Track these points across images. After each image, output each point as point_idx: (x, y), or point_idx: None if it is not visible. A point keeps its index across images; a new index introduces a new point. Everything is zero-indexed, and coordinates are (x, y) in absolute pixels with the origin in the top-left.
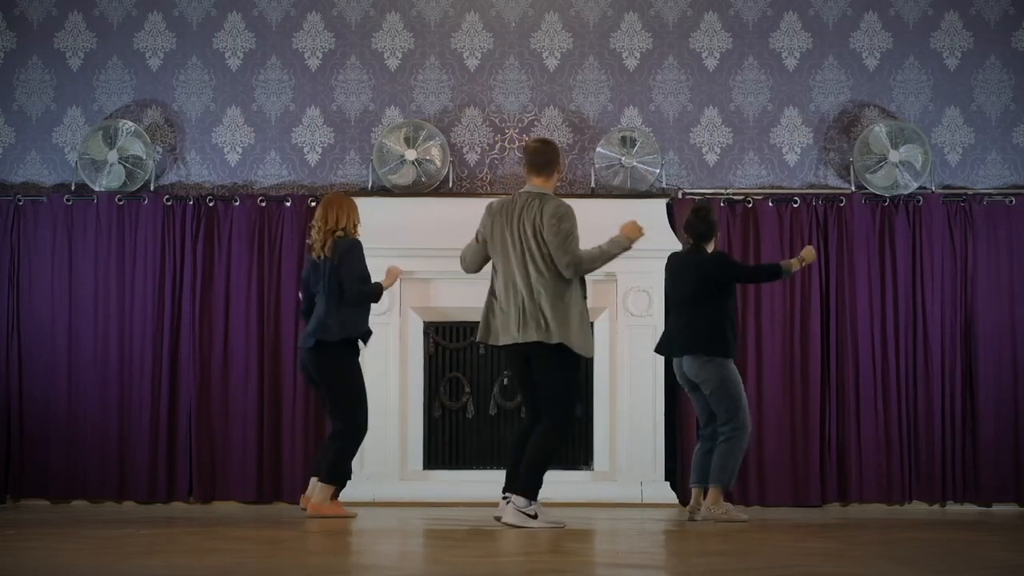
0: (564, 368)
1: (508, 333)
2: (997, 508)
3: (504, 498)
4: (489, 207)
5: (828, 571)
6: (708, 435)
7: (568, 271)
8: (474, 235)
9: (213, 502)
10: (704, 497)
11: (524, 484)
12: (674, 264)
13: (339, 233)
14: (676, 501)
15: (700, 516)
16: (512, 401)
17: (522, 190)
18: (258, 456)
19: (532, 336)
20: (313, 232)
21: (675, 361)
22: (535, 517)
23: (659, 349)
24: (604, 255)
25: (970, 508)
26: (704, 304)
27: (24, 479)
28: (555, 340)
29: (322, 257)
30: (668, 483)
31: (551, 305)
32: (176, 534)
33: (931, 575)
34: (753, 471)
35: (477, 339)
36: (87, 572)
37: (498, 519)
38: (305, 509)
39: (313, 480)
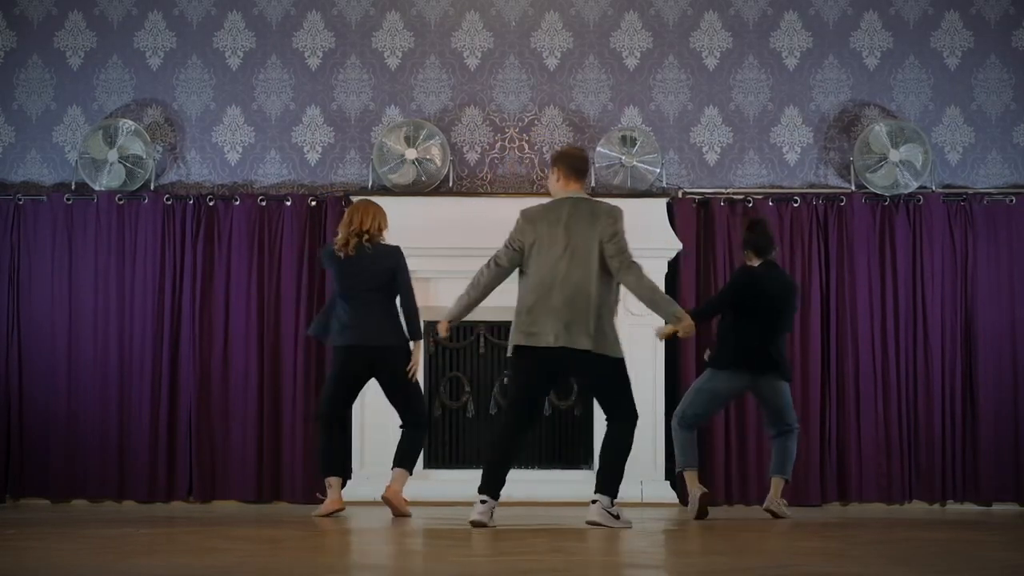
0: (614, 367)
1: (547, 338)
2: (997, 508)
3: (482, 500)
4: (525, 214)
5: (828, 571)
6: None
7: (626, 275)
8: (507, 243)
9: (213, 502)
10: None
11: (608, 484)
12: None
13: (366, 236)
14: (676, 501)
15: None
16: None
17: (562, 197)
18: (258, 456)
19: (574, 343)
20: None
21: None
22: (617, 517)
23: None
24: (659, 297)
25: (970, 508)
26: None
27: (24, 479)
28: (598, 350)
29: (347, 256)
30: (668, 483)
31: (603, 312)
32: (176, 534)
33: (931, 575)
34: (753, 471)
35: (516, 343)
36: (87, 572)
37: (478, 523)
38: (334, 512)
39: (338, 479)
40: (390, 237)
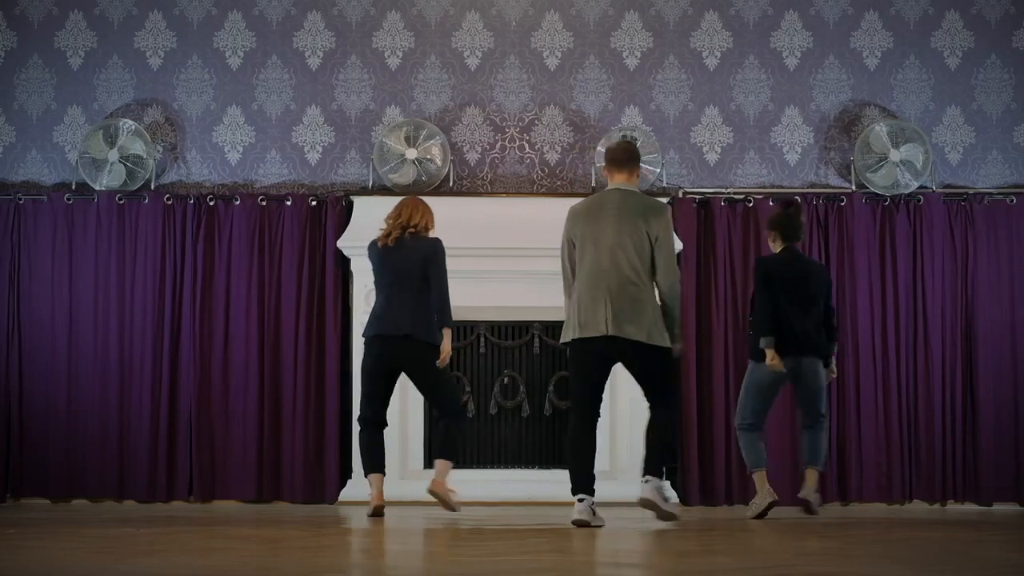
0: (660, 356)
1: (599, 327)
2: (997, 507)
3: (579, 499)
4: (571, 211)
5: (828, 571)
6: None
7: (667, 288)
8: (564, 243)
9: (213, 501)
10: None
11: (654, 465)
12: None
13: (411, 230)
14: (676, 500)
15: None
16: (512, 400)
17: (611, 188)
18: (258, 455)
19: (627, 332)
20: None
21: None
22: (667, 500)
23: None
24: (676, 311)
25: (970, 507)
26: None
27: (24, 478)
28: (649, 341)
29: (385, 246)
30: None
31: (653, 303)
32: (176, 533)
33: (931, 575)
34: None
35: (570, 338)
36: (87, 572)
37: (581, 523)
38: (379, 509)
39: (380, 476)
40: None
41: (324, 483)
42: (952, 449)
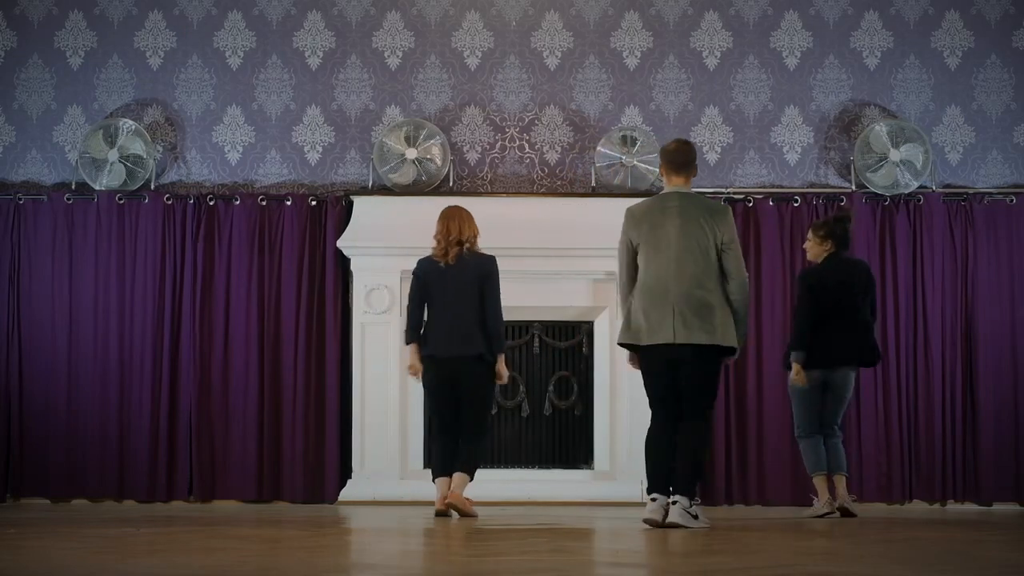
0: (716, 366)
1: (664, 334)
2: (997, 507)
3: (652, 498)
4: (630, 212)
5: (828, 571)
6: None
7: (737, 291)
8: (623, 245)
9: (213, 501)
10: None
11: (686, 484)
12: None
13: (466, 245)
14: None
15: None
16: (512, 400)
17: (670, 191)
18: (258, 455)
19: (697, 338)
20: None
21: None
22: (696, 517)
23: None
24: (744, 316)
25: (970, 507)
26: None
27: (24, 478)
28: (720, 342)
29: (447, 265)
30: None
31: (721, 306)
32: (176, 533)
33: (931, 575)
34: (753, 471)
35: (626, 341)
36: (87, 571)
37: (651, 522)
38: (442, 511)
39: (447, 479)
40: (391, 236)
41: (324, 483)
42: (952, 449)
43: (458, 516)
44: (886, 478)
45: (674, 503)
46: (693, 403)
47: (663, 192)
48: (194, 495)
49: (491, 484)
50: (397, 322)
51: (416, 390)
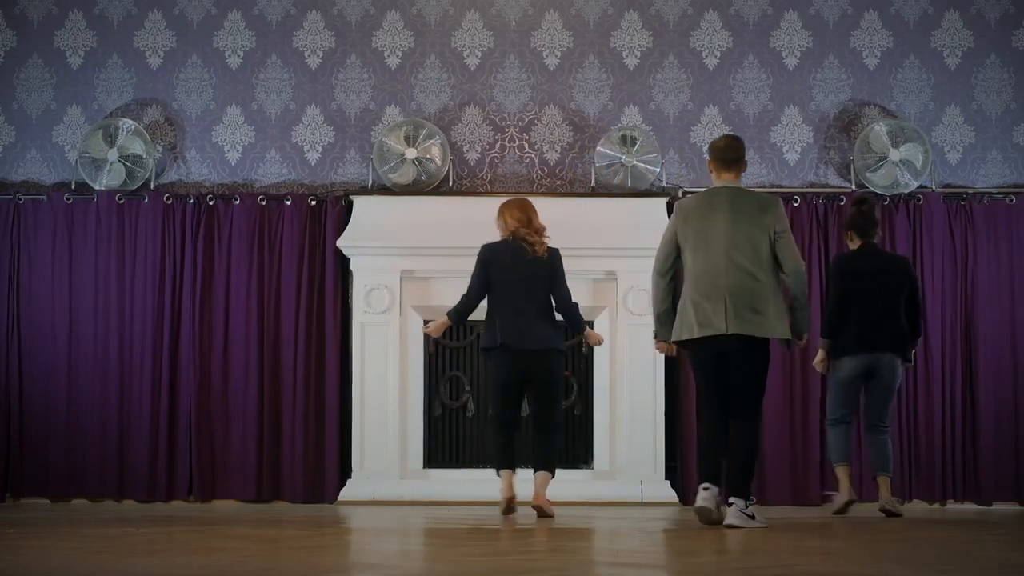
0: (765, 362)
1: (714, 325)
2: (997, 507)
3: (704, 487)
4: (679, 206)
5: (828, 571)
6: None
7: (794, 278)
8: (668, 236)
9: (213, 501)
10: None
11: (742, 485)
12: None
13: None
14: (676, 500)
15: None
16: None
17: (719, 186)
18: (258, 455)
19: (749, 329)
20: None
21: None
22: (753, 518)
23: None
24: (805, 306)
25: (970, 507)
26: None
27: (24, 478)
28: (770, 334)
29: (511, 257)
30: (668, 482)
31: (773, 298)
32: (176, 533)
33: (931, 575)
34: None
35: (679, 338)
36: (87, 571)
37: (702, 512)
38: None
39: (511, 472)
40: (390, 236)
41: (324, 483)
42: (952, 449)
43: (536, 516)
44: None
45: (730, 504)
46: (743, 399)
47: (712, 187)
48: (194, 495)
49: (491, 484)
50: (396, 322)
51: (416, 390)
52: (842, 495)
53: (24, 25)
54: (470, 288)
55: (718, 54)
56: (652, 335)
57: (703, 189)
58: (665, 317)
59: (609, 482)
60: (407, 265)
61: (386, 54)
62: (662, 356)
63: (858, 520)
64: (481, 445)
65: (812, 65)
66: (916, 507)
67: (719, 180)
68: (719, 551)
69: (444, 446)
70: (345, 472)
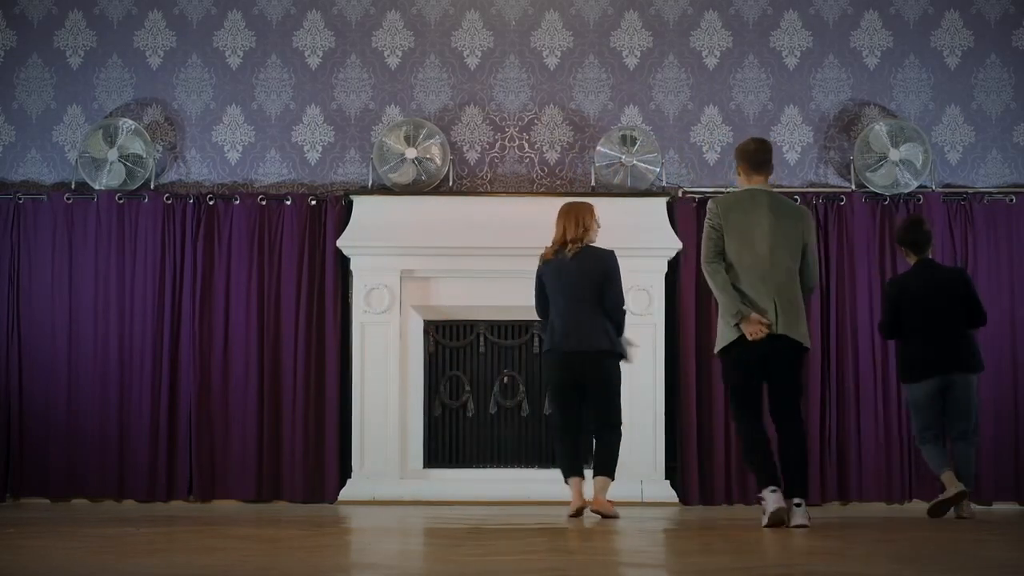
0: (803, 363)
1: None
2: (997, 507)
3: (772, 490)
4: (719, 203)
5: (828, 571)
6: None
7: (808, 293)
8: (711, 229)
9: (213, 501)
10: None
11: (805, 485)
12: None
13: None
14: (676, 500)
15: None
16: (512, 400)
17: (754, 188)
18: (258, 455)
19: (792, 332)
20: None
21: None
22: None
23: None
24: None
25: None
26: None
27: (24, 478)
28: (804, 342)
29: (565, 260)
30: (668, 482)
31: (802, 304)
32: (176, 533)
33: (931, 574)
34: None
35: (732, 339)
36: (87, 571)
37: (777, 516)
38: (576, 513)
39: (579, 479)
40: (390, 236)
41: (324, 483)
42: (952, 449)
43: (600, 518)
44: (886, 477)
45: (798, 505)
46: (788, 400)
47: (748, 188)
48: (194, 495)
49: (491, 484)
50: (396, 322)
51: (416, 390)
52: (948, 490)
53: (24, 25)
54: (536, 306)
55: (718, 54)
56: (732, 322)
57: (703, 189)
58: (736, 293)
59: None
60: (407, 265)
61: (386, 54)
62: (663, 357)
63: (858, 520)
64: (481, 445)
65: (812, 65)
66: (916, 507)
67: (750, 183)
68: (719, 551)
69: (444, 446)
70: (345, 472)
